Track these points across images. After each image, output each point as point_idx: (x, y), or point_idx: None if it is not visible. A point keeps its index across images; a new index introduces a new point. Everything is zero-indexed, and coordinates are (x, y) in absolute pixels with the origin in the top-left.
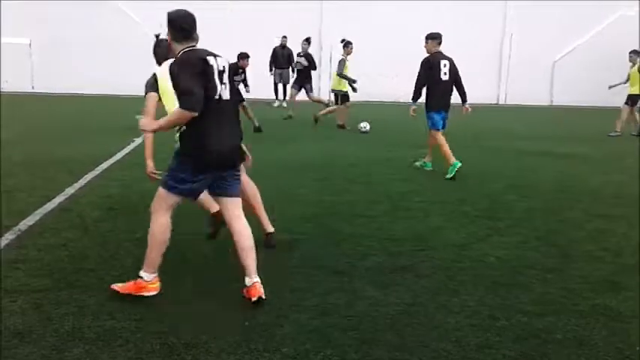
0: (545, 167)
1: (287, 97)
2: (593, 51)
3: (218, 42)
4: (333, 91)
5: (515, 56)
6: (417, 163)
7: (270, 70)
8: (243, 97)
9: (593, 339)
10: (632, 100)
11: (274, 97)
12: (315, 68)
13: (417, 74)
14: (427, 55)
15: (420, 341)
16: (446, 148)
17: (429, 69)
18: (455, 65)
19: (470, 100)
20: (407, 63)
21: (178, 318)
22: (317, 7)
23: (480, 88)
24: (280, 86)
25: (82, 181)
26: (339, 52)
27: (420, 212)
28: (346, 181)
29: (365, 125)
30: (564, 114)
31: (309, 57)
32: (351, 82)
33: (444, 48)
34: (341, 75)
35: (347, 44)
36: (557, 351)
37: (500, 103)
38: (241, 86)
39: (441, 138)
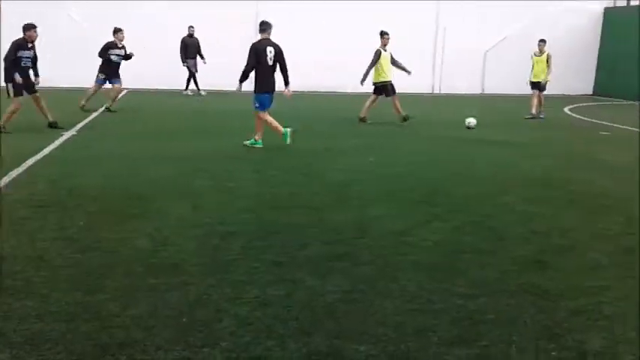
0: (480, 154)
1: (189, 88)
2: (522, 42)
3: (160, 38)
4: (374, 84)
5: (449, 47)
6: (247, 142)
7: (183, 61)
8: (35, 88)
9: (523, 317)
10: (534, 85)
11: (197, 89)
12: (128, 59)
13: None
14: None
15: (359, 328)
16: (275, 124)
17: (255, 54)
18: (281, 51)
19: (407, 89)
20: (349, 55)
21: (111, 317)
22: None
23: (416, 78)
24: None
25: (6, 179)
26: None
27: (359, 201)
28: (285, 172)
29: (471, 121)
30: (495, 102)
31: (125, 48)
32: (406, 71)
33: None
34: (397, 66)
35: (383, 34)
36: (489, 331)
37: (434, 92)
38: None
39: (266, 117)
